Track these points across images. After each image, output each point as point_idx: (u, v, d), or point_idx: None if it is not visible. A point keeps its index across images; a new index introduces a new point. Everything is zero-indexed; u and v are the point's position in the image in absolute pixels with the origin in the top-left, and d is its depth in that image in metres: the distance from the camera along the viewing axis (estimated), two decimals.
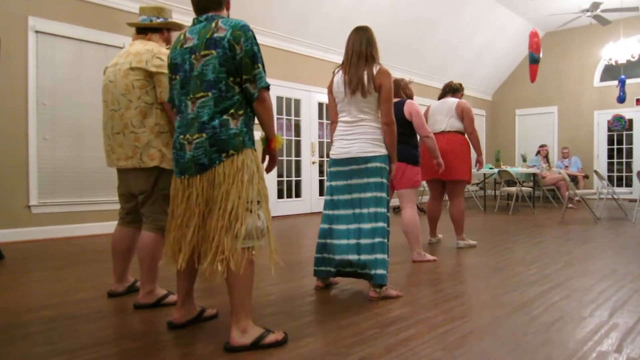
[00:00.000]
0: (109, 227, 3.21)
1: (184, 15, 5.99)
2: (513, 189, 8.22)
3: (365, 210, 2.81)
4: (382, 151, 2.83)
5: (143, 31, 2.69)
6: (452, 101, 4.56)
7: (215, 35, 1.95)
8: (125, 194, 2.71)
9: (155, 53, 2.53)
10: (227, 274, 1.93)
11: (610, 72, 10.62)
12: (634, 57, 8.93)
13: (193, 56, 2.00)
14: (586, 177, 10.11)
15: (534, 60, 8.09)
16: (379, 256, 2.74)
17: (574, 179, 9.58)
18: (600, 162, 11.00)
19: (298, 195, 8.02)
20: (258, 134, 2.35)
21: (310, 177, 8.15)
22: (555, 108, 11.68)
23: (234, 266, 1.91)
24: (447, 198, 4.68)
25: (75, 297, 2.80)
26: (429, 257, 3.89)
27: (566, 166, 10.17)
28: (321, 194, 8.22)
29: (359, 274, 2.83)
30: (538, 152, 10.01)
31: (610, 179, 10.72)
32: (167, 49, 2.69)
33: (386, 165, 2.85)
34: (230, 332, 1.98)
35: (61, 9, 5.20)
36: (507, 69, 12.32)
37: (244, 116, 2.01)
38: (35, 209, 5.01)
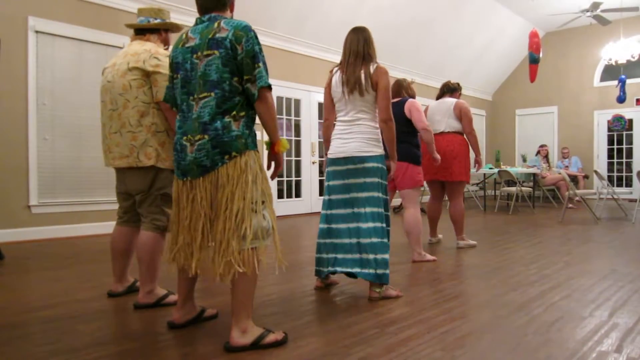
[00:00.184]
0: (109, 227, 3.21)
1: (183, 15, 6.00)
2: (513, 189, 8.22)
3: (362, 210, 2.81)
4: (379, 151, 2.84)
5: (141, 32, 2.71)
6: (450, 101, 4.57)
7: (218, 35, 1.95)
8: (123, 192, 2.72)
9: (152, 53, 2.55)
10: (234, 275, 1.93)
11: (610, 72, 10.62)
12: (634, 57, 8.93)
13: (195, 56, 1.99)
14: (586, 177, 10.11)
15: (534, 60, 8.09)
16: (379, 256, 2.74)
17: (574, 179, 9.58)
18: (600, 162, 11.00)
19: (298, 195, 8.02)
20: (260, 134, 2.33)
21: (310, 177, 8.15)
22: (555, 108, 11.68)
23: (241, 268, 1.91)
24: (447, 198, 4.69)
25: (75, 297, 2.80)
26: (429, 257, 3.89)
27: (566, 166, 10.17)
28: (321, 194, 8.22)
29: (359, 274, 2.83)
30: (538, 152, 10.02)
31: (610, 179, 10.72)
32: (166, 49, 2.71)
33: (383, 165, 2.85)
34: (231, 332, 1.98)
35: (61, 9, 5.20)
36: (507, 69, 12.32)
37: (245, 118, 2.00)
38: (35, 209, 5.01)
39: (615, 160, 10.96)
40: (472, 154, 4.67)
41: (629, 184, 10.72)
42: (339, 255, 2.87)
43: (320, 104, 8.22)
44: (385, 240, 2.79)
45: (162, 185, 2.57)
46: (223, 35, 1.95)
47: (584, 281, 3.18)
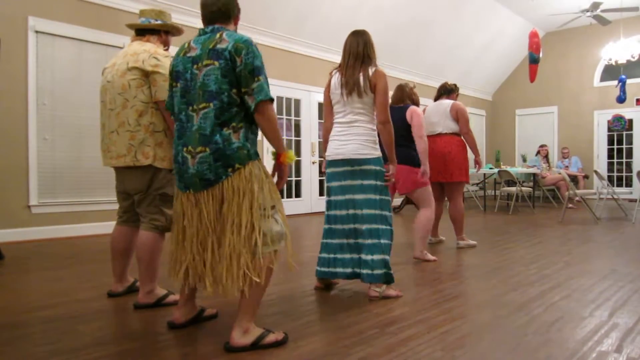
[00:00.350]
0: (109, 227, 3.21)
1: (184, 15, 6.00)
2: (513, 189, 8.22)
3: (359, 212, 2.82)
4: (376, 153, 2.84)
5: (141, 33, 2.72)
6: (446, 103, 4.58)
7: (218, 46, 1.95)
8: (122, 192, 2.72)
9: (152, 53, 2.56)
10: (250, 285, 1.92)
11: (610, 72, 10.62)
12: (634, 57, 8.93)
13: (195, 66, 1.99)
14: (586, 177, 10.11)
15: (533, 60, 8.09)
16: (377, 257, 2.74)
17: (574, 179, 9.58)
18: (600, 162, 11.00)
19: (298, 195, 8.02)
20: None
21: (310, 177, 8.15)
22: (555, 108, 11.68)
23: (256, 277, 1.92)
24: (447, 198, 4.69)
25: (75, 297, 2.80)
26: (430, 257, 3.89)
27: (566, 166, 10.17)
28: (321, 194, 8.23)
29: (358, 274, 2.83)
30: (538, 152, 10.02)
31: (610, 179, 10.72)
32: (165, 49, 2.71)
33: (380, 167, 2.85)
34: (231, 332, 1.98)
35: (61, 9, 5.20)
36: (507, 69, 12.32)
37: (244, 129, 1.98)
38: (35, 209, 5.01)
39: (615, 160, 10.95)
40: (471, 155, 4.68)
41: (629, 184, 10.72)
42: (339, 255, 2.89)
43: (320, 104, 8.22)
44: (384, 241, 2.79)
45: (160, 186, 2.57)
46: (223, 47, 1.94)
47: (584, 281, 3.18)
